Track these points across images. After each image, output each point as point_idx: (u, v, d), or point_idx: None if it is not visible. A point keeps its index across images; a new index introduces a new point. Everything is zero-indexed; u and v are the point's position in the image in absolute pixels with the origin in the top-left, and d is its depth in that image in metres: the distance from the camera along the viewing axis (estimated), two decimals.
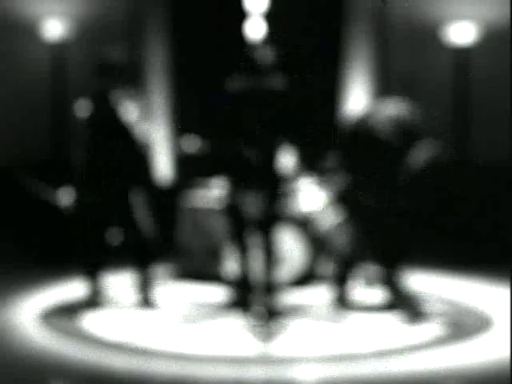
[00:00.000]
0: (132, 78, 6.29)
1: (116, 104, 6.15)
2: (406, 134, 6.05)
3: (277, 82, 6.18)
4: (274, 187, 6.15)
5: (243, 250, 6.28)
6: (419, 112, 6.17)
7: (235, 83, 6.21)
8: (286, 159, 6.90)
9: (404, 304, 6.00)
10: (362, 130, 6.10)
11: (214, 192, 7.21)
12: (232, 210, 6.22)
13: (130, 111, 6.18)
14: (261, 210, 6.13)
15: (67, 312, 6.09)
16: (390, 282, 6.09)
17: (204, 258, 7.22)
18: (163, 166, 9.97)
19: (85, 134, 6.14)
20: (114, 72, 6.17)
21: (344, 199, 6.16)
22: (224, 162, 6.30)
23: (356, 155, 6.11)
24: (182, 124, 9.79)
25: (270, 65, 6.20)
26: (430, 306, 6.18)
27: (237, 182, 6.16)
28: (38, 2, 9.80)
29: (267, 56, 6.23)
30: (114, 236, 6.22)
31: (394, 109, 6.11)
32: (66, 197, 6.16)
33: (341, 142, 6.22)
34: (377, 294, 6.33)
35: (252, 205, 6.13)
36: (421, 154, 6.10)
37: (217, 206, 6.94)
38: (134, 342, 5.31)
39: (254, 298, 6.10)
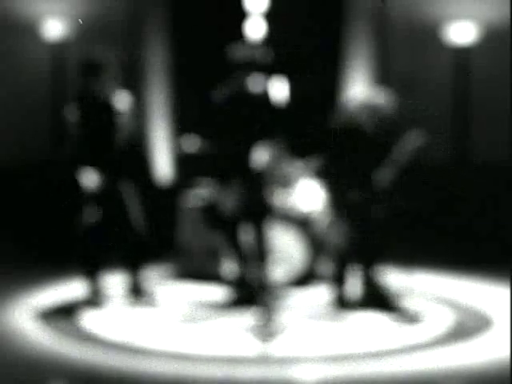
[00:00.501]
0: (120, 75, 6.29)
1: (106, 103, 6.16)
2: (386, 123, 6.08)
3: (272, 82, 6.20)
4: (260, 183, 6.19)
5: (236, 248, 6.31)
6: (398, 101, 6.19)
7: (230, 83, 6.24)
8: (278, 158, 6.92)
9: (382, 302, 6.04)
10: (346, 124, 6.13)
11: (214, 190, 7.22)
12: (209, 209, 6.30)
13: (120, 107, 6.19)
14: (244, 207, 6.17)
15: (67, 312, 6.09)
16: (368, 279, 6.11)
17: (204, 258, 7.22)
18: (163, 165, 9.97)
19: (79, 136, 6.14)
20: (98, 71, 6.17)
21: (335, 197, 6.17)
22: (221, 162, 6.32)
23: (343, 150, 6.12)
24: (181, 124, 9.79)
25: (266, 64, 6.22)
26: (410, 304, 6.20)
27: (224, 180, 6.21)
28: (38, 1, 9.80)
29: (263, 56, 6.25)
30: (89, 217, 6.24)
31: (372, 99, 6.15)
32: (90, 178, 6.13)
33: (331, 139, 6.25)
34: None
35: (233, 203, 6.16)
36: (407, 146, 6.10)
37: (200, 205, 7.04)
38: (134, 341, 5.31)
39: (254, 298, 6.10)
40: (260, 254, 6.23)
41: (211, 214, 6.34)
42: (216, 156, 6.35)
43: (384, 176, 6.05)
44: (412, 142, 6.08)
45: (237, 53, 6.26)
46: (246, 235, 6.34)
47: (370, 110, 6.08)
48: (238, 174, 6.18)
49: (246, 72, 6.21)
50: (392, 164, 6.06)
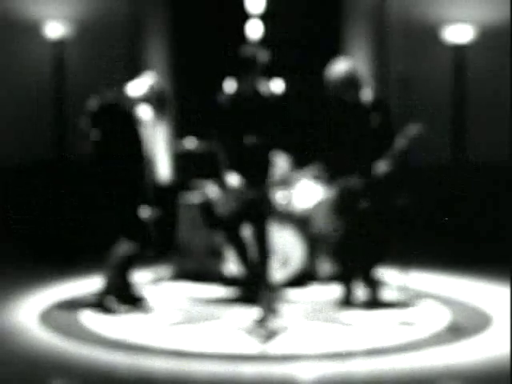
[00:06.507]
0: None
1: None
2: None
3: (273, 83, 6.21)
4: (263, 183, 6.20)
5: (236, 248, 6.32)
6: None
7: (232, 86, 6.24)
8: (281, 158, 6.92)
9: (381, 300, 6.07)
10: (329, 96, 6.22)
11: (213, 191, 7.23)
12: (206, 207, 6.32)
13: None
14: (245, 207, 6.18)
15: (67, 311, 6.09)
16: (369, 279, 6.13)
17: (204, 258, 7.23)
18: (163, 165, 9.96)
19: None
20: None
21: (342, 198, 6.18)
22: (221, 161, 6.33)
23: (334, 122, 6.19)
24: (182, 124, 9.79)
25: (266, 65, 6.24)
26: (409, 302, 6.22)
27: (224, 180, 6.24)
28: (40, 2, 9.80)
29: (263, 56, 6.25)
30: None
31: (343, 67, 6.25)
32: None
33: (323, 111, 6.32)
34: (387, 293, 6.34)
35: (232, 203, 6.18)
36: (404, 136, 6.09)
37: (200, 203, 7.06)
38: (135, 340, 5.31)
39: (254, 297, 6.11)
40: (261, 254, 6.23)
41: (210, 213, 6.36)
42: (218, 155, 6.36)
43: (381, 166, 6.05)
44: (409, 132, 6.08)
45: (249, 53, 6.24)
46: (247, 235, 6.34)
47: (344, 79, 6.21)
48: (241, 174, 6.18)
49: (256, 72, 6.21)
50: (390, 154, 6.06)
